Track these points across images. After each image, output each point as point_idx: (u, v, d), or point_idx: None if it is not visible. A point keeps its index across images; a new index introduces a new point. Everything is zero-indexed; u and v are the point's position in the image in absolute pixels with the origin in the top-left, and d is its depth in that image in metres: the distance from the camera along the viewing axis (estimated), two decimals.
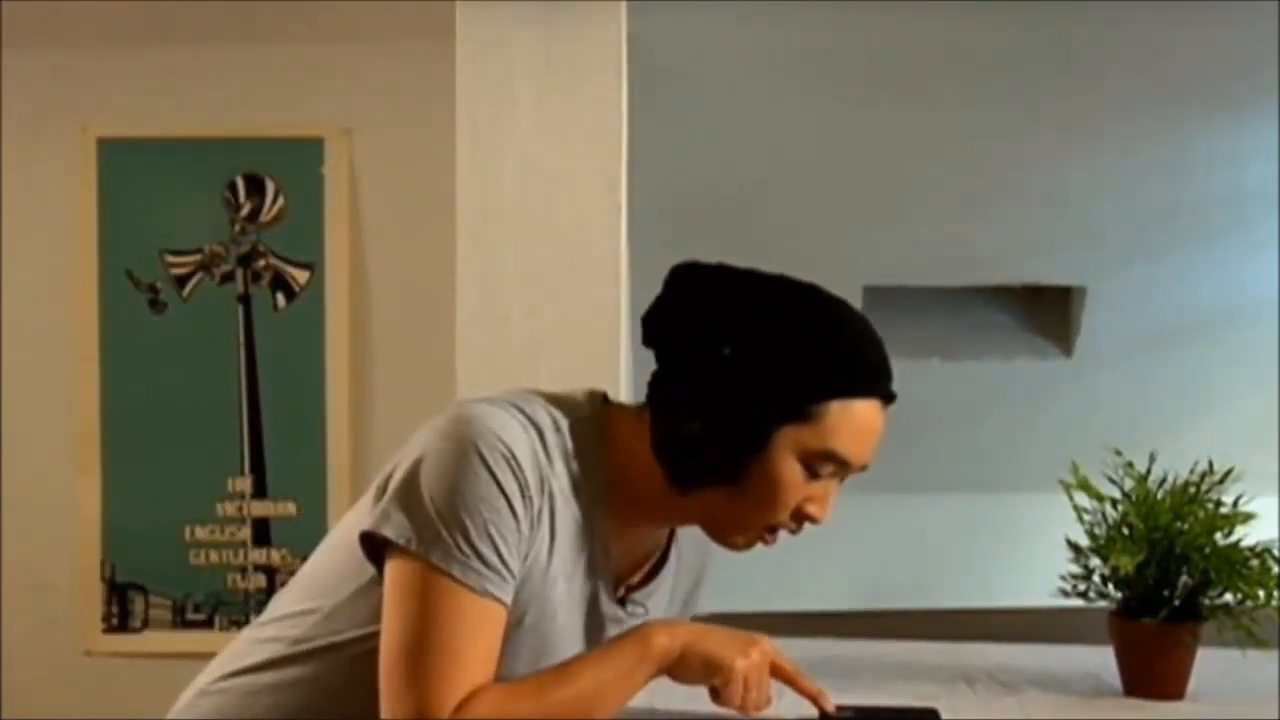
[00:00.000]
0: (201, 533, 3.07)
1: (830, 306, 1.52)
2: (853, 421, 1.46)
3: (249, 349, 3.07)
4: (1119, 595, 1.95)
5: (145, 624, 3.11)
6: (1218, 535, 1.91)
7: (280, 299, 3.07)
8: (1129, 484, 1.95)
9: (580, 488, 1.47)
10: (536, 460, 1.43)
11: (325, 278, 3.05)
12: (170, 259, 3.08)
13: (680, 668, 1.47)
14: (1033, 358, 3.66)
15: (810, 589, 3.57)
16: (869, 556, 3.75)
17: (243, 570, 3.07)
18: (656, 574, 1.60)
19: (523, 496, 1.40)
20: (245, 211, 3.07)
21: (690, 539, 1.64)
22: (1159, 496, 1.93)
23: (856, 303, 3.59)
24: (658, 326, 1.51)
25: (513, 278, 2.30)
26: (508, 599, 1.40)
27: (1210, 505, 1.92)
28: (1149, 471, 1.96)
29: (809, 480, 1.47)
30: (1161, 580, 1.91)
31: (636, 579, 1.58)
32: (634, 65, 2.21)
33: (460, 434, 1.41)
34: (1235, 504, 1.93)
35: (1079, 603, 1.98)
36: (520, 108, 2.23)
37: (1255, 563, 1.89)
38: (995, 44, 2.82)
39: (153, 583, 3.10)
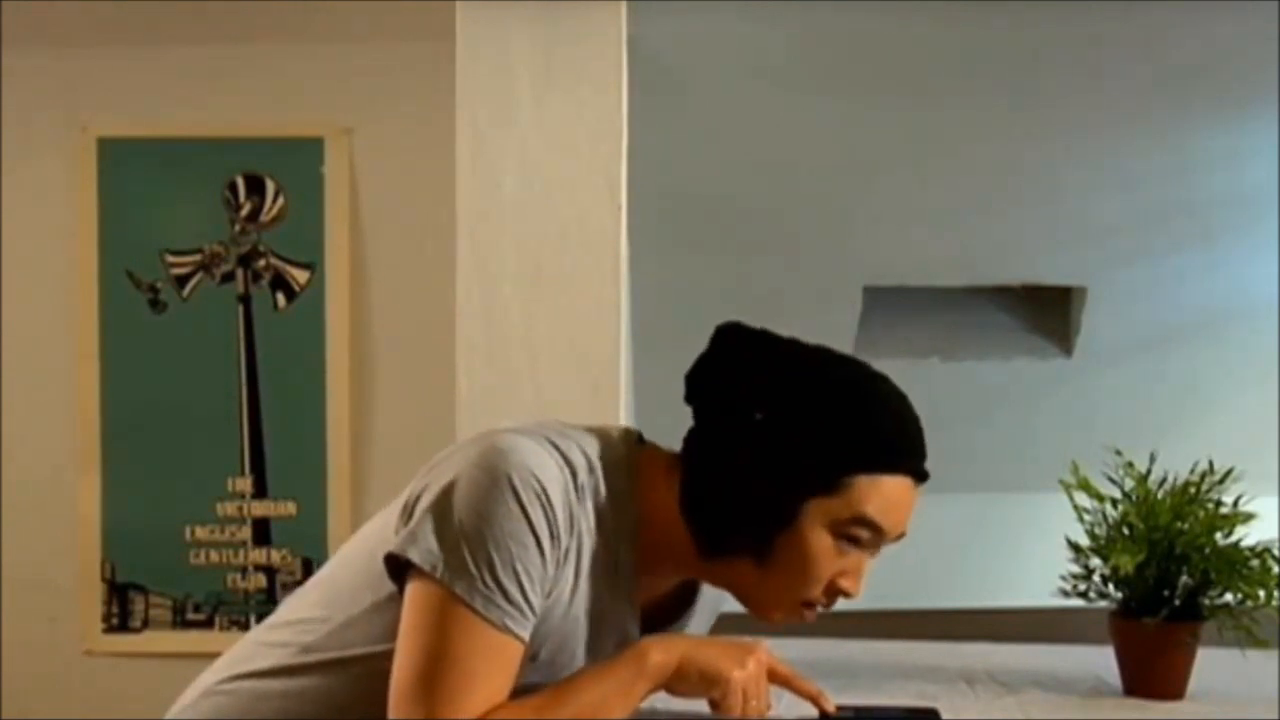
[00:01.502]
0: (201, 533, 3.07)
1: (868, 380, 1.51)
2: (882, 496, 1.45)
3: (249, 349, 3.07)
4: (1119, 595, 1.95)
5: (145, 624, 3.11)
6: (1218, 535, 1.91)
7: (280, 299, 3.07)
8: (1129, 484, 1.95)
9: (609, 529, 1.46)
10: (568, 499, 1.42)
11: (325, 278, 3.06)
12: (170, 259, 3.08)
13: (678, 682, 1.46)
14: (1033, 358, 3.66)
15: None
16: None
17: (243, 570, 3.07)
18: (683, 612, 1.60)
19: (551, 536, 1.40)
20: (245, 211, 3.07)
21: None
22: (1159, 496, 1.93)
23: (856, 303, 3.61)
24: (699, 384, 1.51)
25: (513, 278, 2.30)
26: (526, 636, 1.40)
27: (1210, 505, 1.92)
28: (1149, 471, 1.96)
29: (840, 554, 1.46)
30: (1161, 580, 1.91)
31: (652, 609, 1.57)
32: (634, 65, 2.21)
33: (495, 465, 1.40)
34: (1235, 504, 1.93)
35: (1079, 603, 1.98)
36: (520, 108, 2.23)
37: (1255, 563, 1.89)
38: (995, 44, 2.82)
39: (153, 583, 3.11)
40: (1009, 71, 2.90)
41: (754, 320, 1.63)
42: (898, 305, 3.48)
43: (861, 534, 1.45)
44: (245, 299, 3.07)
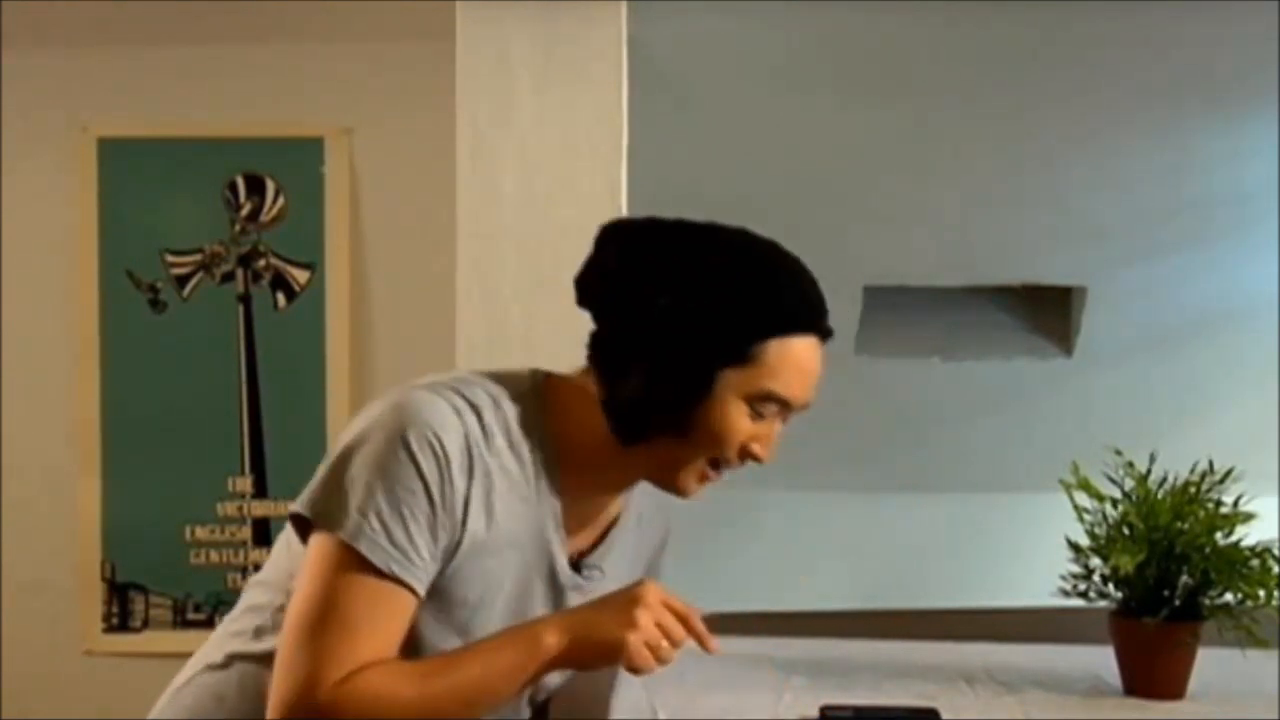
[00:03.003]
0: (201, 533, 3.07)
1: (762, 248, 1.54)
2: (792, 360, 1.48)
3: (249, 349, 3.07)
4: (1119, 595, 1.95)
5: (145, 624, 3.11)
6: (1218, 535, 1.91)
7: (280, 299, 3.07)
8: (1129, 484, 1.95)
9: (525, 460, 1.50)
10: (466, 445, 1.44)
11: (325, 278, 3.06)
12: (170, 259, 3.08)
13: (576, 661, 1.46)
14: (1033, 358, 3.66)
15: (810, 589, 3.58)
16: (869, 556, 3.75)
17: (243, 570, 3.07)
18: (607, 537, 1.62)
19: (443, 482, 1.42)
20: (245, 211, 3.07)
21: (651, 501, 1.66)
22: (1159, 496, 1.93)
23: (856, 303, 3.61)
24: (592, 287, 1.53)
25: (513, 278, 2.30)
26: (415, 583, 1.42)
27: (1210, 505, 1.92)
28: (1149, 471, 1.96)
29: (753, 421, 1.49)
30: (1161, 580, 1.91)
31: (586, 543, 1.59)
32: (634, 65, 2.21)
33: (389, 421, 1.44)
34: (1235, 504, 1.93)
35: (1079, 603, 1.98)
36: (520, 108, 2.23)
37: (1255, 563, 1.89)
38: (995, 44, 2.82)
39: (153, 583, 3.11)
40: (1009, 71, 2.90)
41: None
42: (898, 305, 3.48)
43: (771, 406, 1.49)
44: (245, 299, 3.07)
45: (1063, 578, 1.99)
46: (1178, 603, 1.92)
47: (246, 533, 3.07)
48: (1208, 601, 1.91)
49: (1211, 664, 1.92)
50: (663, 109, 2.65)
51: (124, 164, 3.08)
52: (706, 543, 3.41)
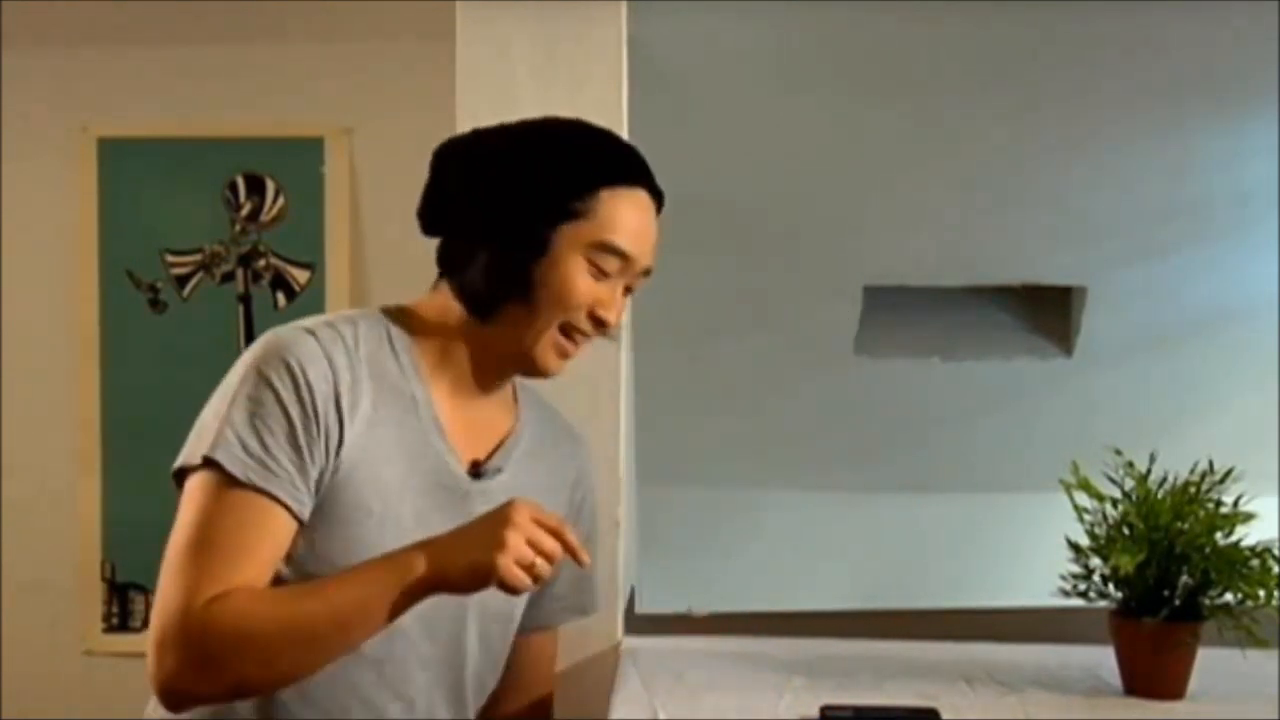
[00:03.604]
0: None
1: (575, 120, 1.62)
2: (624, 211, 1.55)
3: None
4: (1119, 595, 1.95)
5: (145, 624, 3.10)
6: (1218, 535, 1.90)
7: (280, 299, 3.07)
8: (1129, 484, 1.95)
9: (390, 369, 1.55)
10: (326, 354, 1.50)
11: (325, 277, 3.06)
12: (170, 259, 3.08)
13: (448, 584, 1.46)
14: (1033, 358, 3.66)
15: (810, 589, 3.57)
16: (869, 556, 3.75)
17: None
18: (503, 445, 1.65)
19: (300, 392, 1.46)
20: (245, 211, 3.07)
21: (553, 429, 1.72)
22: (1159, 496, 1.93)
23: (856, 303, 3.61)
24: (433, 208, 1.64)
25: None
26: (280, 493, 1.45)
27: (1210, 505, 1.91)
28: (1149, 471, 1.96)
29: (596, 280, 1.55)
30: (1162, 580, 1.91)
31: (485, 455, 1.62)
32: (634, 65, 2.21)
33: (244, 359, 1.52)
34: (1235, 504, 1.92)
35: (1079, 603, 1.98)
36: (520, 108, 2.22)
37: (1255, 563, 1.88)
38: (995, 43, 2.82)
39: (153, 583, 3.09)
40: (1009, 71, 2.90)
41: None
42: (898, 305, 3.47)
43: (611, 262, 1.55)
44: (245, 299, 3.07)
45: (1063, 578, 1.98)
46: (1178, 603, 1.91)
47: None
48: (1208, 601, 1.91)
49: (1211, 664, 1.92)
50: (663, 109, 2.64)
51: (124, 164, 3.08)
52: (706, 543, 3.42)
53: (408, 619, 1.49)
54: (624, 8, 2.18)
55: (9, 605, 3.11)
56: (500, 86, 2.16)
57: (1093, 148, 3.13)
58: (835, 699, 1.79)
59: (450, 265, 1.61)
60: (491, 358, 1.60)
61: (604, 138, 1.62)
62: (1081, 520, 1.96)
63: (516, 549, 1.43)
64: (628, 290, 1.61)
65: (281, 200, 3.07)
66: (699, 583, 2.91)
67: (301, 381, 1.47)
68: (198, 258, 3.08)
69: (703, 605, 2.43)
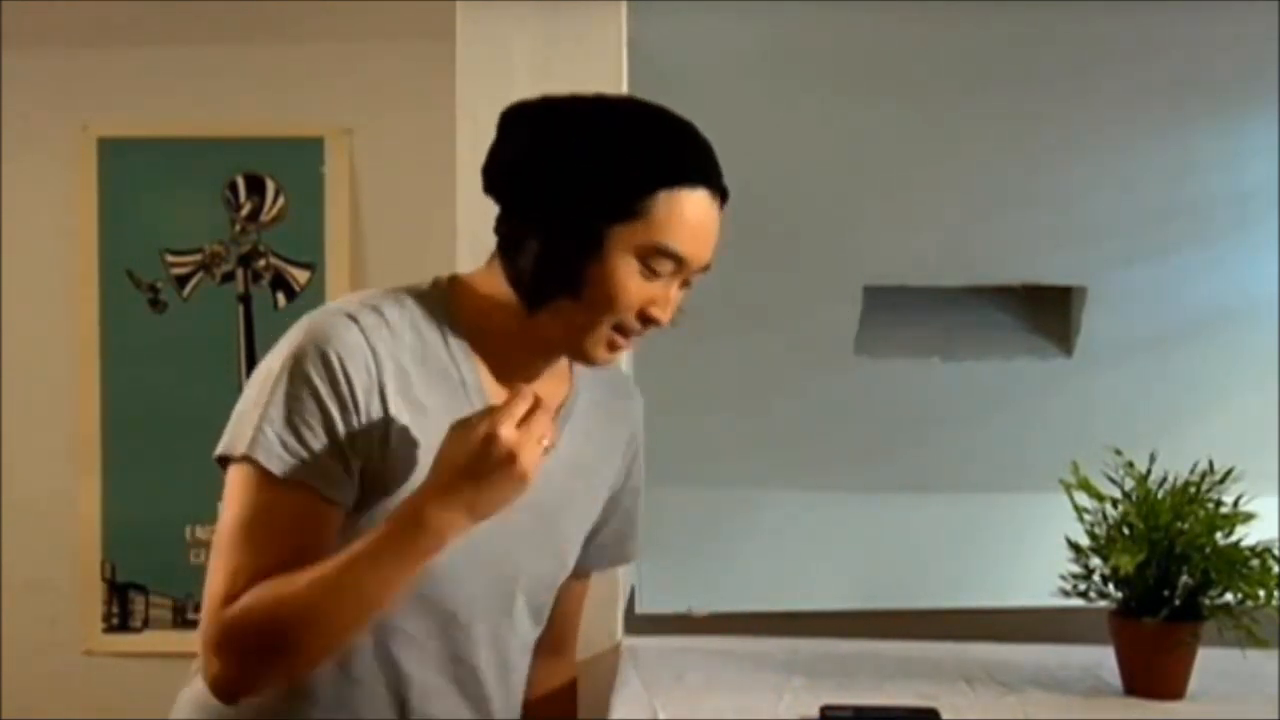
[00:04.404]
0: (202, 532, 3.07)
1: (643, 105, 1.57)
2: (682, 213, 1.49)
3: (249, 349, 3.07)
4: (1119, 595, 1.95)
5: (145, 624, 3.11)
6: (1218, 535, 1.90)
7: (280, 299, 3.07)
8: (1129, 484, 1.95)
9: (439, 349, 1.53)
10: (368, 341, 1.47)
11: (325, 277, 3.06)
12: (170, 259, 3.08)
13: (486, 505, 1.43)
14: (1033, 358, 3.65)
15: (810, 589, 3.57)
16: (869, 556, 3.74)
17: None
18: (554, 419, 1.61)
19: (337, 391, 1.45)
20: (245, 211, 3.07)
21: (607, 388, 1.69)
22: (1159, 496, 1.93)
23: (856, 303, 3.61)
24: (492, 172, 1.58)
25: None
26: (319, 483, 1.44)
27: (1210, 505, 1.92)
28: (1149, 471, 1.96)
29: (648, 280, 1.50)
30: (1161, 580, 1.91)
31: None
32: (634, 65, 2.21)
33: (281, 346, 1.50)
34: (1235, 504, 1.93)
35: (1079, 603, 1.98)
36: None
37: (1255, 563, 1.88)
38: (995, 44, 2.82)
39: (153, 583, 3.11)
40: (1009, 71, 2.90)
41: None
42: (898, 305, 3.47)
43: (665, 264, 1.50)
44: (245, 299, 3.07)
45: (1063, 578, 1.99)
46: (1178, 603, 1.91)
47: None
48: (1208, 601, 1.91)
49: (1211, 664, 1.92)
50: None
51: (124, 164, 3.08)
52: (706, 543, 3.41)
53: (453, 601, 1.52)
54: (624, 8, 2.18)
55: (9, 605, 3.11)
56: (500, 87, 2.16)
57: (1093, 148, 3.13)
58: (835, 699, 1.79)
59: (503, 243, 1.56)
60: (541, 341, 1.57)
61: (669, 133, 1.54)
62: (1081, 520, 1.97)
63: (532, 461, 1.41)
64: (685, 283, 1.56)
65: (281, 200, 3.07)
66: (699, 583, 2.91)
67: (340, 374, 1.45)
68: (198, 258, 3.08)
69: (703, 605, 2.43)
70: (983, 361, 3.64)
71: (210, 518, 3.04)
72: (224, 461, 1.50)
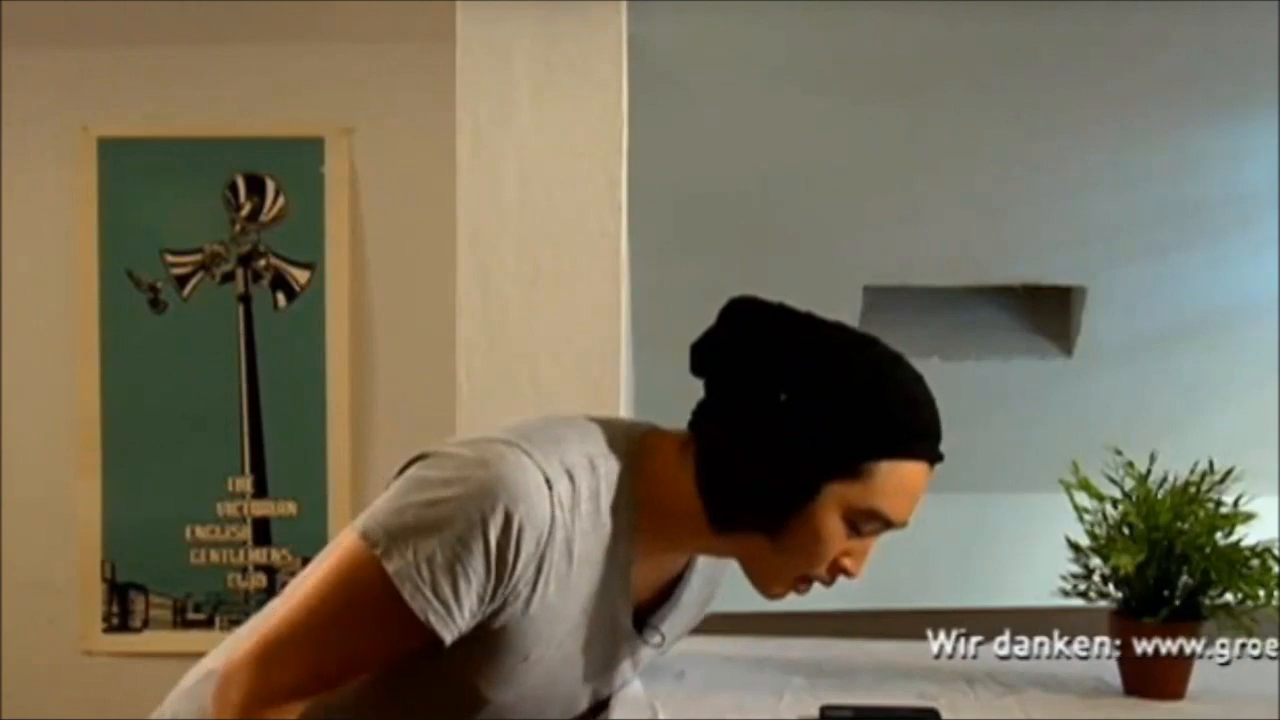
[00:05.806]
0: (201, 533, 3.07)
1: (890, 363, 1.48)
2: (900, 482, 1.43)
3: (249, 349, 3.07)
4: (1119, 595, 1.95)
5: (145, 624, 3.11)
6: (1218, 535, 1.91)
7: (280, 299, 3.07)
8: (1129, 484, 1.95)
9: (607, 524, 1.44)
10: (552, 514, 1.38)
11: (325, 277, 3.06)
12: (170, 259, 3.08)
13: None
14: (1033, 358, 3.66)
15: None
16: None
17: (243, 570, 3.07)
18: (671, 595, 1.57)
19: (511, 556, 1.36)
20: (245, 211, 3.07)
21: (709, 560, 1.61)
22: (1159, 496, 1.93)
23: (856, 303, 3.60)
24: (710, 357, 1.47)
25: (513, 278, 2.30)
26: (446, 634, 1.37)
27: (1210, 505, 1.92)
28: (1149, 471, 1.96)
29: (849, 537, 1.44)
30: (1162, 580, 1.91)
31: (648, 596, 1.55)
32: (634, 65, 2.21)
33: (476, 481, 1.37)
34: (1235, 504, 1.93)
35: (1079, 603, 1.98)
36: (520, 108, 2.23)
37: (1255, 563, 1.89)
38: (995, 44, 2.82)
39: (153, 583, 3.10)
40: (1009, 71, 2.90)
41: None
42: (898, 305, 3.48)
43: (872, 526, 1.44)
44: (245, 299, 3.07)
45: (1063, 578, 1.99)
46: (1178, 603, 1.92)
47: (247, 533, 3.07)
48: (1208, 601, 1.91)
49: (1212, 664, 1.92)
50: (663, 109, 2.65)
51: (124, 164, 3.08)
52: None
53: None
54: (624, 8, 2.18)
55: (9, 605, 3.11)
56: (500, 87, 2.17)
57: (1092, 148, 3.13)
58: (835, 699, 1.79)
59: (704, 439, 1.45)
60: (712, 548, 1.51)
61: (907, 400, 1.45)
62: (1081, 520, 1.97)
63: None
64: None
65: (281, 200, 3.07)
66: None
67: (513, 541, 1.36)
68: (198, 258, 3.08)
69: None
70: (983, 361, 3.64)
71: (210, 517, 3.07)
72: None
